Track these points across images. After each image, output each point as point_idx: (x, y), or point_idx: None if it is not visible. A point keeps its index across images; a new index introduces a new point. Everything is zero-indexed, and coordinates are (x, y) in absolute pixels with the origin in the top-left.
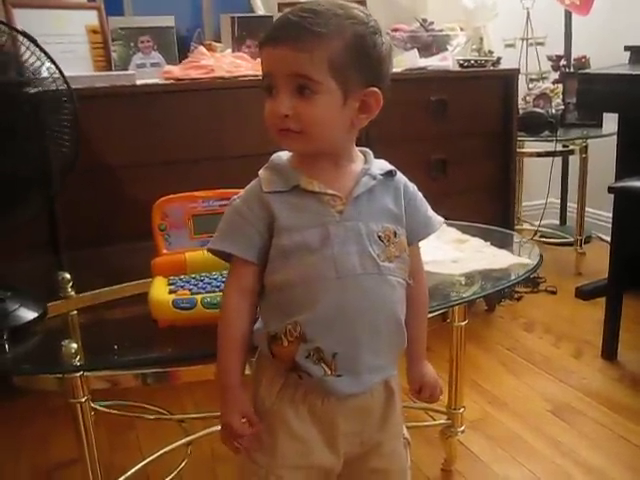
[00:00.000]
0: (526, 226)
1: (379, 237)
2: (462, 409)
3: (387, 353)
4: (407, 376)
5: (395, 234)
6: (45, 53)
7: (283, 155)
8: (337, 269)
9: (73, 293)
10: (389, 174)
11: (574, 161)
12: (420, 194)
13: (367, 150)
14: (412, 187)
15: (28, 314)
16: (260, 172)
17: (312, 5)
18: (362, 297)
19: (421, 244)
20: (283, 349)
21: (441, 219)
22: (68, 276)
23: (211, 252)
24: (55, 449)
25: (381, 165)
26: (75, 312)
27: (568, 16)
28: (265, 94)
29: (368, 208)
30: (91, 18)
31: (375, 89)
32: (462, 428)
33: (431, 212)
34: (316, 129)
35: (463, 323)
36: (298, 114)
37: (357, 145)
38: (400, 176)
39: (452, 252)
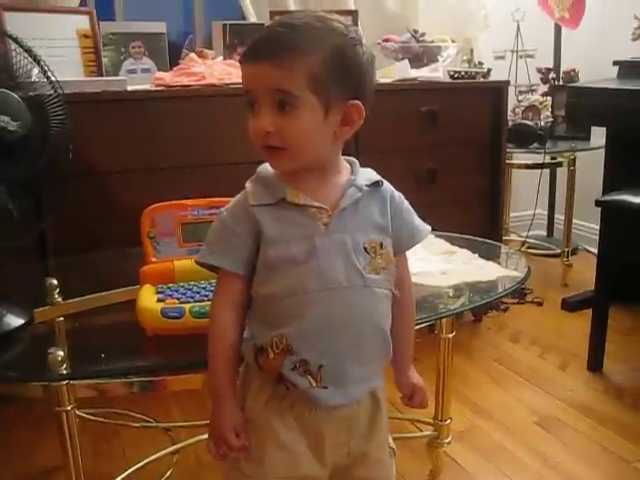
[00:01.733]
0: (513, 237)
1: (365, 249)
2: (449, 420)
3: (373, 364)
4: (397, 384)
5: (381, 245)
6: (35, 57)
7: (269, 167)
8: (323, 281)
9: (60, 299)
10: (375, 184)
11: (562, 173)
12: (407, 203)
13: (353, 160)
14: (398, 197)
15: (14, 321)
16: (247, 184)
17: (290, 19)
18: (347, 309)
19: (409, 256)
20: (269, 361)
21: (428, 227)
22: (55, 282)
23: (199, 265)
24: (40, 457)
25: (367, 175)
26: (62, 319)
27: (558, 29)
28: (248, 110)
29: (354, 220)
30: (82, 23)
31: (357, 102)
32: (448, 439)
33: (418, 221)
34: (299, 144)
35: (450, 335)
36: (280, 130)
37: (346, 155)
38: (387, 186)
39: (440, 264)
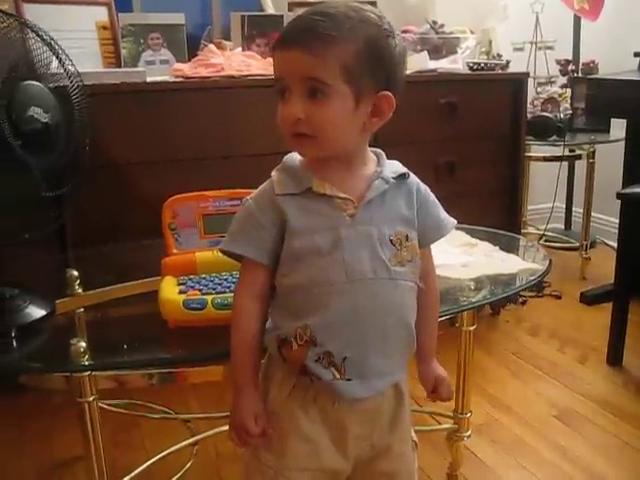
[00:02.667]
0: (531, 230)
1: (391, 241)
2: (469, 414)
3: (397, 357)
4: (420, 377)
5: (407, 238)
6: (54, 49)
7: (296, 156)
8: (348, 273)
9: (80, 291)
10: (402, 177)
11: (580, 166)
12: (433, 196)
13: (380, 152)
14: (424, 189)
15: (36, 312)
16: (272, 173)
17: (325, 8)
18: (372, 301)
19: (432, 248)
20: (293, 352)
21: (454, 221)
22: (76, 273)
23: (223, 253)
24: (59, 446)
25: (394, 167)
26: (82, 310)
27: (577, 21)
28: (278, 98)
29: (380, 212)
30: (101, 14)
31: (388, 93)
32: (468, 433)
33: (444, 214)
34: (328, 133)
35: (472, 328)
36: (310, 117)
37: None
38: (413, 178)
39: (462, 256)
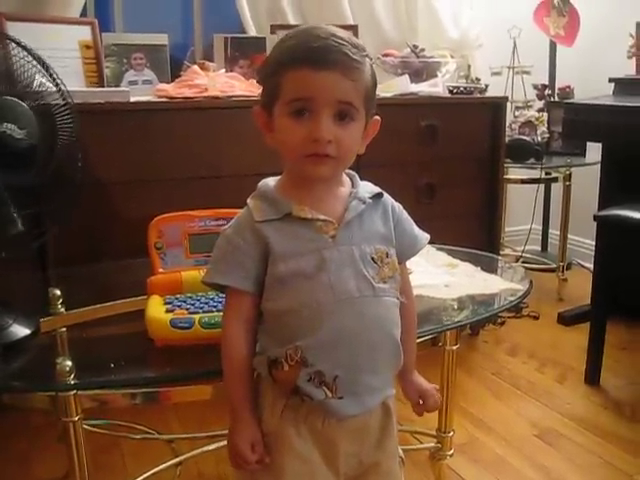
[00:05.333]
0: (508, 251)
1: (372, 259)
2: (452, 432)
3: (385, 373)
4: (404, 392)
5: (387, 255)
6: (44, 65)
7: (270, 182)
8: (334, 293)
9: (63, 310)
10: (377, 196)
11: (557, 188)
12: (406, 213)
13: (353, 173)
14: (398, 207)
15: (20, 331)
16: (249, 201)
17: (341, 33)
18: (360, 319)
19: (413, 268)
20: (284, 373)
21: (427, 235)
22: (58, 292)
23: (207, 285)
24: (38, 468)
25: (368, 188)
26: (65, 329)
27: (553, 47)
28: (289, 116)
29: (360, 231)
30: (84, 33)
31: (378, 118)
32: (451, 452)
33: (417, 230)
34: (347, 155)
35: (455, 347)
36: (338, 140)
37: (348, 168)
38: (387, 197)
39: (444, 276)
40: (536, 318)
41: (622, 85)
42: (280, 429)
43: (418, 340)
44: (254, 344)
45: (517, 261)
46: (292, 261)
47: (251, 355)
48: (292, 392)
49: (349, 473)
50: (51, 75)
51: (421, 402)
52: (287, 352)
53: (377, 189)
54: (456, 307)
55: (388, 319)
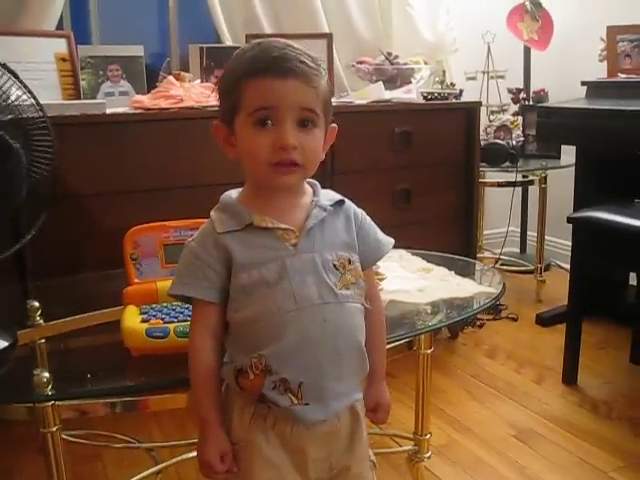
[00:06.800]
0: (487, 254)
1: (334, 266)
2: (428, 435)
3: (350, 378)
4: (364, 395)
5: (350, 261)
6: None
7: (232, 194)
8: (296, 301)
9: (42, 321)
10: (338, 204)
11: (534, 191)
12: (368, 218)
13: (314, 182)
14: (361, 213)
15: None
16: (212, 213)
17: (296, 45)
18: (322, 326)
19: (387, 274)
20: (250, 382)
21: (391, 240)
22: (37, 304)
23: (172, 297)
24: None
25: (329, 196)
26: (44, 341)
27: (527, 51)
28: (253, 127)
29: (321, 239)
30: (61, 46)
31: (335, 126)
32: (428, 454)
33: (381, 235)
34: (311, 162)
35: (429, 351)
36: (303, 146)
37: (323, 175)
38: (349, 204)
39: (418, 281)
40: (515, 320)
41: (594, 88)
42: (249, 437)
43: (392, 344)
44: (220, 355)
45: (496, 263)
46: (254, 270)
47: (218, 366)
48: (259, 400)
49: (320, 478)
50: (27, 89)
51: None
52: (252, 361)
53: (338, 196)
54: (429, 311)
55: (351, 325)
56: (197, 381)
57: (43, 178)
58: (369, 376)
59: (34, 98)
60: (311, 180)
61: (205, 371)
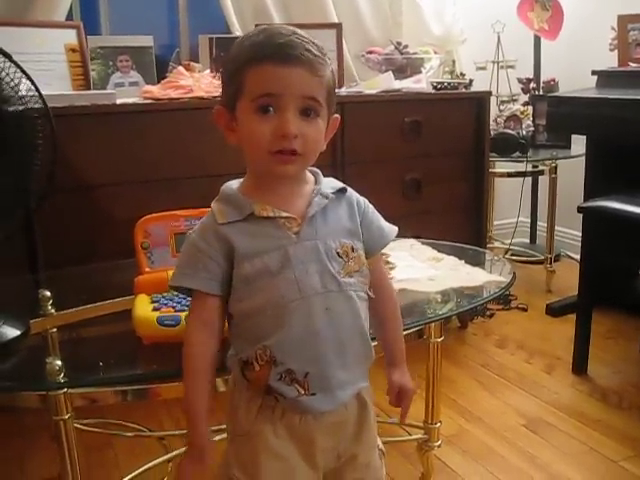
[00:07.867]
0: (497, 244)
1: (337, 253)
2: (438, 424)
3: (356, 367)
4: (388, 380)
5: (353, 249)
6: (22, 70)
7: (233, 184)
8: (300, 289)
9: (53, 311)
10: (340, 191)
11: (544, 181)
12: (371, 206)
13: (316, 170)
14: (364, 201)
15: (11, 332)
16: (212, 205)
17: (302, 32)
18: (326, 315)
19: (398, 263)
20: (255, 374)
21: (395, 228)
22: (48, 294)
23: (173, 289)
24: (31, 468)
25: (332, 184)
26: (55, 330)
27: (537, 40)
28: (255, 113)
29: (324, 226)
30: (70, 37)
31: (338, 116)
32: (438, 442)
33: (384, 223)
34: (311, 151)
35: (439, 339)
36: (304, 135)
37: (333, 165)
38: (351, 192)
39: (428, 270)
40: (525, 310)
41: (605, 77)
42: (256, 429)
43: (403, 333)
44: (216, 347)
45: (506, 254)
46: (257, 260)
47: (213, 358)
48: (265, 392)
49: (328, 466)
50: (30, 80)
51: (397, 399)
52: (257, 352)
53: (340, 184)
54: (440, 300)
55: (355, 313)
56: (190, 373)
57: (46, 170)
58: (388, 361)
59: (37, 90)
60: (313, 168)
61: (199, 364)
